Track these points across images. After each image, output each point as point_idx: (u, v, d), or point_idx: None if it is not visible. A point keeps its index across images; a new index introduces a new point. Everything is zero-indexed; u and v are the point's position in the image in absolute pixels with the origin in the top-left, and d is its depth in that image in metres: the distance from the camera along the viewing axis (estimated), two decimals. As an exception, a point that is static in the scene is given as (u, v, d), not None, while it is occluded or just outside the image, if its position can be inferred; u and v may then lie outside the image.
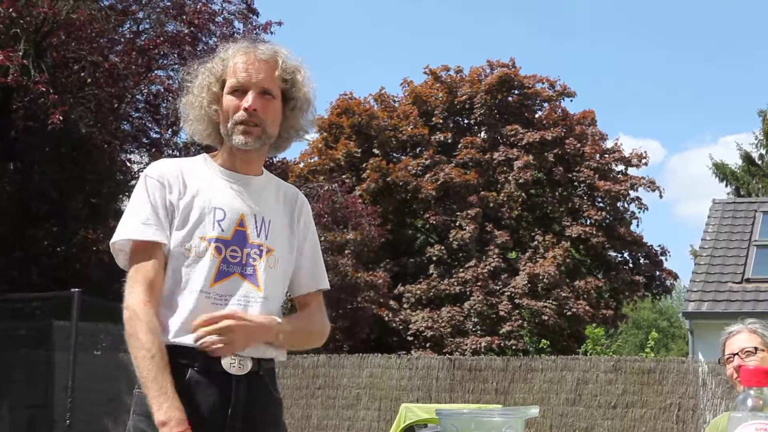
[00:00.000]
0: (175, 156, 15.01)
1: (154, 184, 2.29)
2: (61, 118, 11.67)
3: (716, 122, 76.92)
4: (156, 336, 2.15)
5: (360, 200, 21.63)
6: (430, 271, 23.29)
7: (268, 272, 2.31)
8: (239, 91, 2.31)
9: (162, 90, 14.08)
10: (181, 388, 2.16)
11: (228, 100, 2.32)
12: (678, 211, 72.96)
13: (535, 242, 23.73)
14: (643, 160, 25.41)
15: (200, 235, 2.26)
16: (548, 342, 22.44)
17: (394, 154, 25.29)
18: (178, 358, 2.18)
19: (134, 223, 2.25)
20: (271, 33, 15.11)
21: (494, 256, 22.87)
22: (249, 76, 2.31)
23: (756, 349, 2.96)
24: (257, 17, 15.23)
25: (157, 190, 2.28)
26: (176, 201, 2.28)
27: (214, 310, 2.22)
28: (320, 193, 18.24)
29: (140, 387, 2.21)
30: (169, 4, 14.09)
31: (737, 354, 2.99)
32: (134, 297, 2.19)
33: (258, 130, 2.31)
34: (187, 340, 2.19)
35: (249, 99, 2.29)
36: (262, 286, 2.29)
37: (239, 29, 14.85)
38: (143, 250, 2.24)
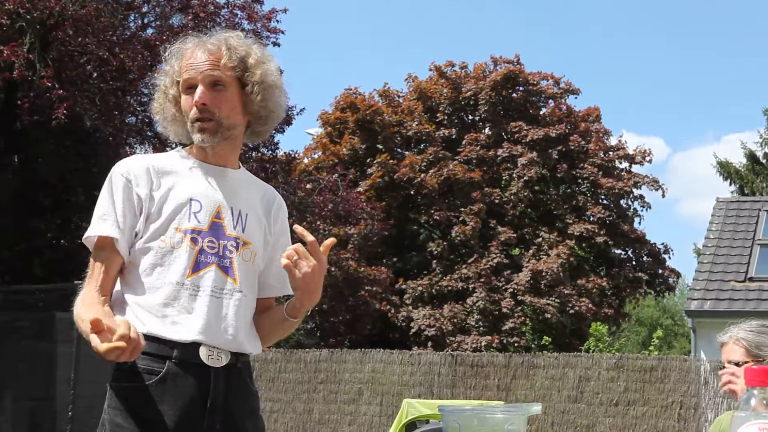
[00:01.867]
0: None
1: (118, 180, 2.28)
2: (65, 112, 11.69)
3: (719, 120, 76.78)
4: (91, 304, 2.19)
5: (363, 196, 21.61)
6: (433, 267, 23.30)
7: (243, 265, 2.31)
8: (191, 89, 2.30)
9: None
10: (160, 380, 2.16)
11: (183, 100, 2.33)
12: (679, 210, 72.89)
13: (539, 239, 23.72)
14: (647, 158, 25.39)
15: (176, 226, 2.25)
16: (550, 339, 22.47)
17: (399, 150, 25.28)
18: (156, 349, 2.18)
19: (95, 219, 2.27)
20: (277, 21, 15.04)
21: (497, 252, 22.87)
22: (196, 70, 2.29)
23: (738, 363, 2.88)
24: (261, 6, 15.15)
25: (120, 186, 2.27)
26: (146, 194, 2.27)
27: (190, 301, 2.22)
28: (323, 185, 18.21)
29: (115, 380, 2.23)
30: (174, -3, 14.08)
31: (726, 366, 2.93)
32: (78, 297, 2.24)
33: (213, 125, 2.29)
34: (164, 332, 2.19)
35: (197, 94, 2.28)
36: (238, 279, 2.28)
37: (243, 17, 14.81)
38: (102, 244, 2.26)
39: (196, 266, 2.24)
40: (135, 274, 2.25)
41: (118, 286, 2.29)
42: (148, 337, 2.16)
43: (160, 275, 2.23)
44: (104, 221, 2.25)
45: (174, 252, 2.24)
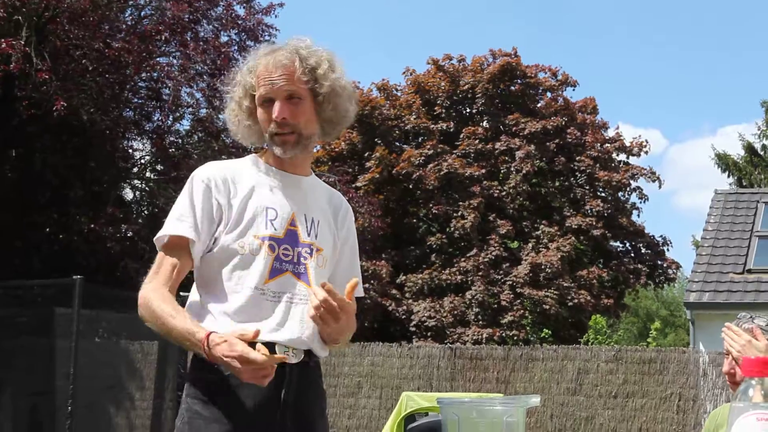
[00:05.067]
0: (177, 142, 15.00)
1: (199, 186, 2.36)
2: (65, 104, 11.67)
3: (716, 112, 76.76)
4: (171, 301, 2.25)
5: (361, 191, 21.58)
6: (432, 260, 23.29)
7: (317, 271, 2.39)
8: (267, 102, 2.37)
9: (163, 76, 14.04)
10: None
11: (260, 113, 2.40)
12: (677, 202, 72.88)
13: (538, 232, 23.71)
14: (644, 149, 25.38)
15: (254, 234, 2.33)
16: (550, 331, 22.47)
17: (397, 144, 25.25)
18: None
19: (171, 220, 2.35)
20: (275, 16, 15.01)
21: (496, 245, 22.86)
22: (272, 85, 2.36)
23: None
24: (259, 1, 15.11)
25: (200, 191, 2.35)
26: (226, 201, 2.35)
27: (268, 306, 2.30)
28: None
29: (194, 371, 2.30)
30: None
31: (730, 355, 2.90)
32: (145, 287, 2.30)
33: (293, 137, 2.38)
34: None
35: (276, 109, 2.35)
36: (313, 285, 2.35)
37: (240, 14, 14.77)
38: (174, 244, 2.33)
39: (273, 272, 2.32)
40: (215, 279, 2.33)
41: (194, 292, 2.38)
42: None
43: (239, 281, 2.31)
44: (181, 222, 2.33)
45: (253, 259, 2.32)
